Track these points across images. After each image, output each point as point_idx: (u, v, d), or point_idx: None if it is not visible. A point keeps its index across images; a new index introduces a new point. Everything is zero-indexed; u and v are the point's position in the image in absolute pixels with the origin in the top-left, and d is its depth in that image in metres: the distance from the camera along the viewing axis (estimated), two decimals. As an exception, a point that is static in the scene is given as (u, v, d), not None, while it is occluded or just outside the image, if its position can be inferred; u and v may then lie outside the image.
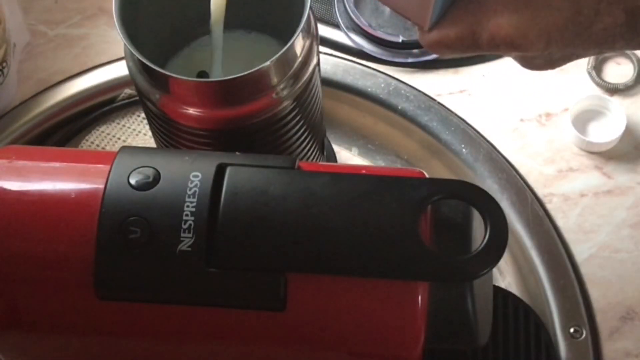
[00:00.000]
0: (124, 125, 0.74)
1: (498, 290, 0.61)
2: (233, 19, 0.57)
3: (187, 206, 0.44)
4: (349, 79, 0.74)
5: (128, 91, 0.74)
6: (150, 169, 0.45)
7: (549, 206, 0.68)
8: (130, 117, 0.74)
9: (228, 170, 0.45)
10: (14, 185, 0.46)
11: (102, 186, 0.45)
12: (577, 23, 0.46)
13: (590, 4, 0.45)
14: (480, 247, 0.43)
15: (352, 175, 0.45)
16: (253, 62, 0.52)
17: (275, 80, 0.52)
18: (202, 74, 0.58)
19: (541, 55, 0.48)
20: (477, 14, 0.47)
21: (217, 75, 0.57)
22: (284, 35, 0.53)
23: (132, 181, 0.45)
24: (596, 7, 0.45)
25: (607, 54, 0.74)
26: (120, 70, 0.74)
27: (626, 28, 0.45)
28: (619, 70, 0.73)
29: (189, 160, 0.46)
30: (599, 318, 0.64)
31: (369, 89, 0.74)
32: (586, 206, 0.68)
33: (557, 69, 0.74)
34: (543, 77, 0.74)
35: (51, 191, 0.45)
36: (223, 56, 0.57)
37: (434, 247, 0.44)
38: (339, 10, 0.76)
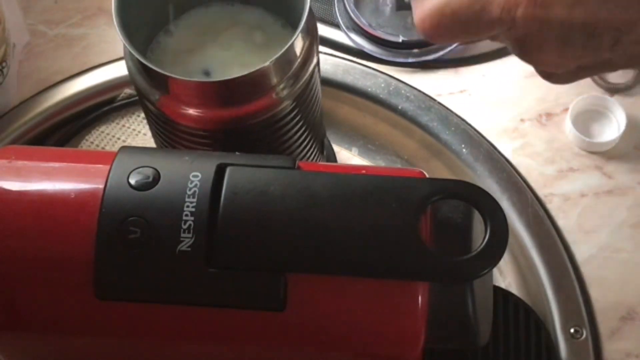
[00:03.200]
0: (123, 126, 0.74)
1: (498, 290, 0.61)
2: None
3: (187, 206, 0.44)
4: (349, 79, 0.74)
5: (128, 91, 0.74)
6: (150, 169, 0.45)
7: (549, 206, 0.68)
8: (130, 117, 0.74)
9: (228, 170, 0.45)
10: (14, 185, 0.46)
11: (101, 186, 0.45)
12: None
13: None
14: (480, 247, 0.43)
15: (352, 175, 0.45)
16: (255, 40, 0.51)
17: (275, 80, 0.52)
18: (204, 72, 0.58)
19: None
20: None
21: (220, 73, 0.57)
22: (285, 12, 0.53)
23: (132, 181, 0.45)
24: None
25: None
26: (120, 70, 0.74)
27: None
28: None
29: (189, 160, 0.46)
30: (599, 318, 0.64)
31: (369, 89, 0.73)
32: (586, 206, 0.68)
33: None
34: (543, 77, 0.74)
35: (51, 191, 0.45)
36: (225, 36, 0.57)
37: (434, 247, 0.44)
38: (339, 10, 0.76)
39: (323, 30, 0.76)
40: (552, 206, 0.68)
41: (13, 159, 0.47)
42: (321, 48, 0.74)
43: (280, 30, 0.58)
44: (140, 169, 0.45)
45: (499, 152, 0.71)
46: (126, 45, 0.52)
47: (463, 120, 0.72)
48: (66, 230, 0.44)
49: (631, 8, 0.44)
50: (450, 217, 0.45)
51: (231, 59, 0.57)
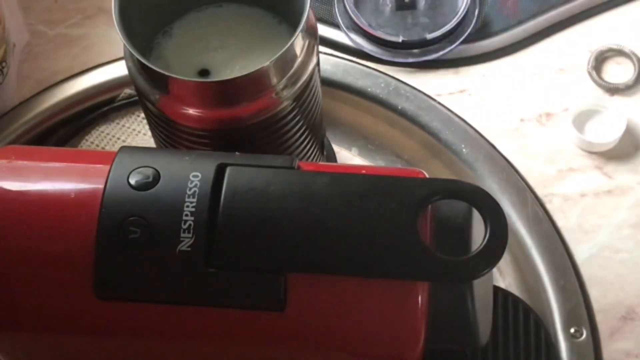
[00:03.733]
0: (123, 125, 0.74)
1: (498, 290, 0.61)
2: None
3: (187, 206, 0.44)
4: (349, 79, 0.74)
5: (128, 91, 0.74)
6: (150, 169, 0.45)
7: (549, 206, 0.68)
8: (130, 117, 0.74)
9: (228, 170, 0.45)
10: (13, 185, 0.46)
11: (101, 186, 0.45)
12: None
13: None
14: (480, 247, 0.43)
15: (352, 175, 0.45)
16: (255, 41, 0.51)
17: (275, 80, 0.52)
18: (203, 72, 0.58)
19: None
20: None
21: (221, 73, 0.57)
22: (285, 12, 0.53)
23: (132, 181, 0.45)
24: None
25: (607, 54, 0.74)
26: (120, 70, 0.74)
27: None
28: (619, 70, 0.73)
29: (189, 160, 0.46)
30: (599, 318, 0.64)
31: (369, 89, 0.73)
32: (586, 206, 0.68)
33: (557, 69, 0.74)
34: (543, 77, 0.73)
35: (51, 191, 0.45)
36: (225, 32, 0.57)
37: (434, 247, 0.44)
38: (339, 10, 0.76)
39: (323, 30, 0.76)
40: (552, 206, 0.68)
41: (13, 159, 0.47)
42: (321, 48, 0.74)
43: (280, 30, 0.58)
44: (140, 169, 0.45)
45: (499, 152, 0.70)
46: (126, 45, 0.52)
47: (463, 120, 0.72)
48: (66, 230, 0.44)
49: None
50: (450, 217, 0.45)
51: (231, 59, 0.57)
